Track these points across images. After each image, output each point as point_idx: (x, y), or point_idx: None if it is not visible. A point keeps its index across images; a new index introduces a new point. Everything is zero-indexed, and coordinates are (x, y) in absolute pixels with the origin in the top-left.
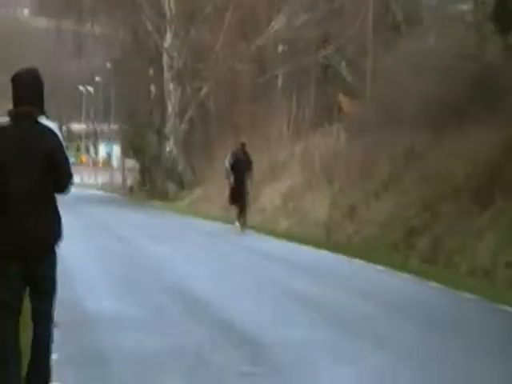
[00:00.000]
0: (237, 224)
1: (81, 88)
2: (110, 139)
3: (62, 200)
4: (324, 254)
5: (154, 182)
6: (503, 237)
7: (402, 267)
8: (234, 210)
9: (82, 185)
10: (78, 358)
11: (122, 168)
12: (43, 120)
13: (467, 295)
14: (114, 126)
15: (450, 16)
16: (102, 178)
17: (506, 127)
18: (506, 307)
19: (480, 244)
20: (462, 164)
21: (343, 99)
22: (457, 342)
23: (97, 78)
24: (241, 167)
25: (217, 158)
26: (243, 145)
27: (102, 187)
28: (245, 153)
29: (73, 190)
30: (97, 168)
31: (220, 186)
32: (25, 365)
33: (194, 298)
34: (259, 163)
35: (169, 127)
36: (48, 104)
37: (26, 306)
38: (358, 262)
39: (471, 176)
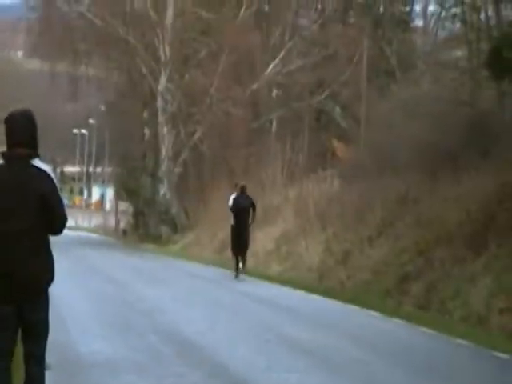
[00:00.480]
0: (236, 267)
1: (75, 130)
2: (103, 182)
3: (54, 242)
4: (317, 299)
5: (147, 225)
6: (497, 283)
7: (395, 313)
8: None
9: (76, 227)
10: None
11: (116, 211)
12: (37, 162)
13: (460, 341)
14: (108, 169)
15: (444, 62)
16: (95, 220)
17: (499, 173)
18: (499, 354)
19: (474, 290)
20: (455, 210)
21: (337, 144)
22: None
23: (91, 121)
24: (242, 213)
25: (210, 202)
26: (243, 188)
27: (95, 230)
28: (246, 197)
29: (66, 232)
30: (90, 210)
31: (213, 229)
32: None
33: (187, 341)
34: None
35: (162, 170)
36: (42, 146)
37: (18, 347)
38: (351, 307)
39: (465, 222)
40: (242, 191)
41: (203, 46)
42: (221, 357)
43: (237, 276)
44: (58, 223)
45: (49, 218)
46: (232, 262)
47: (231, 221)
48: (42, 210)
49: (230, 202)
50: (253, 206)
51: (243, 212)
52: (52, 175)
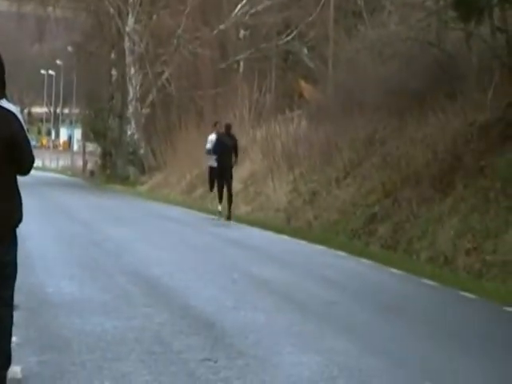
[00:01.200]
0: (219, 208)
1: (42, 71)
2: (71, 123)
3: (22, 182)
4: (285, 240)
5: (114, 166)
6: (464, 223)
7: (362, 253)
8: (209, 196)
9: (43, 168)
10: (38, 342)
11: (83, 152)
12: (4, 103)
13: (427, 281)
14: (76, 110)
15: (412, 3)
16: (62, 161)
17: (466, 114)
18: (466, 294)
19: (440, 231)
20: (422, 150)
21: (304, 85)
22: (418, 328)
23: (58, 62)
24: (226, 151)
25: (178, 143)
26: (229, 126)
27: (63, 171)
28: (230, 135)
29: (33, 172)
30: (57, 151)
31: (181, 170)
32: None
33: (155, 281)
34: None
35: (130, 111)
36: (9, 87)
37: None
38: (319, 248)
39: (432, 162)
40: (227, 130)
41: None
42: (188, 297)
43: (219, 219)
44: (25, 163)
45: (17, 158)
46: (209, 204)
47: (210, 162)
48: (10, 150)
49: (209, 143)
50: (236, 146)
51: (228, 152)
52: (19, 116)
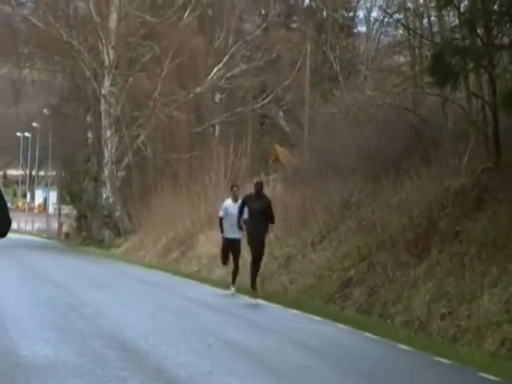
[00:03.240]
0: (232, 289)
1: (18, 134)
2: (46, 185)
3: None
4: (260, 304)
5: (90, 229)
6: (438, 288)
7: (338, 317)
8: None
9: (18, 231)
10: None
11: (58, 214)
12: None
13: (402, 346)
14: (51, 172)
15: (387, 68)
16: (38, 224)
17: (441, 179)
18: (441, 359)
19: (415, 295)
20: (398, 215)
21: (280, 150)
22: None
23: (34, 124)
24: (256, 217)
25: (154, 206)
26: (260, 185)
27: (38, 233)
28: (261, 196)
29: (9, 235)
30: (33, 214)
31: (157, 233)
32: None
33: (130, 345)
34: (197, 211)
35: (105, 174)
36: None
37: None
38: (294, 312)
39: (407, 227)
40: (259, 190)
41: (147, 50)
42: (163, 361)
43: (254, 297)
44: (2, 226)
45: None
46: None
47: (225, 232)
48: None
49: (223, 211)
50: (270, 210)
51: (258, 216)
52: None
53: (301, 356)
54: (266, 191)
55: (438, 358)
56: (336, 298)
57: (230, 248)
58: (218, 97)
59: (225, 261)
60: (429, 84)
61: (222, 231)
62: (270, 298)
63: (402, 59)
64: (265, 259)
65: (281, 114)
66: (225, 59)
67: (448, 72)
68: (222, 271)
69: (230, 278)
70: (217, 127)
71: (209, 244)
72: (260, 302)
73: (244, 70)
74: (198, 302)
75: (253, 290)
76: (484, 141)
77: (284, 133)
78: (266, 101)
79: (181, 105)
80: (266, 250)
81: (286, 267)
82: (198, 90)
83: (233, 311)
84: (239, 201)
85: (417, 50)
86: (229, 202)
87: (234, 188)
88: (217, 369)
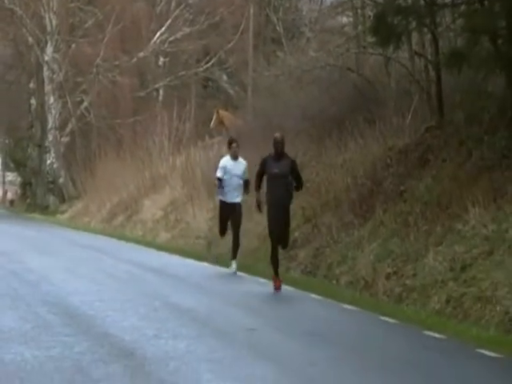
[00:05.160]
0: (233, 266)
1: None
2: None
3: None
4: (205, 267)
5: (34, 196)
6: (383, 248)
7: (284, 279)
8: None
9: None
10: None
11: (3, 181)
12: None
13: (347, 306)
14: None
15: (330, 29)
16: None
17: (385, 139)
18: (386, 318)
19: (360, 255)
20: (342, 175)
21: (223, 113)
22: (338, 353)
23: None
24: (278, 181)
25: (98, 171)
26: (280, 143)
27: None
28: (282, 156)
29: None
30: None
31: (101, 199)
32: None
33: (76, 310)
34: (141, 176)
35: (49, 140)
36: None
37: None
38: (240, 275)
39: (352, 187)
40: (279, 149)
41: (89, 16)
42: (109, 326)
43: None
44: None
45: None
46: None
47: (221, 195)
48: None
49: (221, 170)
50: (295, 170)
51: (281, 181)
52: None
53: (247, 318)
54: (211, 154)
55: (383, 318)
56: (281, 260)
57: (229, 214)
58: (161, 61)
59: (223, 231)
60: (371, 44)
61: (220, 193)
62: (216, 260)
63: (344, 20)
64: (210, 223)
65: (224, 77)
66: (167, 23)
67: (390, 32)
68: (167, 235)
69: (175, 242)
70: (160, 91)
71: (153, 208)
72: (202, 264)
73: (187, 33)
74: (143, 266)
75: (276, 276)
76: (427, 100)
77: (228, 96)
78: (209, 64)
79: (124, 70)
80: (211, 214)
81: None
82: (141, 54)
83: (179, 275)
84: (240, 159)
85: (359, 11)
86: (227, 160)
87: (233, 144)
88: (162, 332)
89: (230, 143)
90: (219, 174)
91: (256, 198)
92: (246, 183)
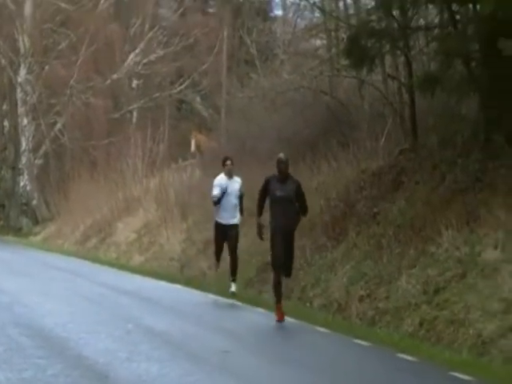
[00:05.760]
0: (232, 288)
1: None
2: None
3: None
4: (179, 289)
5: (7, 218)
6: (356, 270)
7: (256, 302)
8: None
9: None
10: None
11: None
12: None
13: (320, 329)
14: None
15: (304, 51)
16: None
17: (358, 161)
18: (359, 341)
19: (333, 278)
20: (316, 198)
21: (200, 137)
22: (310, 376)
23: None
24: (282, 206)
25: (71, 194)
26: (285, 164)
27: None
28: (287, 178)
29: None
30: None
31: (75, 221)
32: None
33: (48, 333)
34: (115, 198)
35: (23, 162)
36: None
37: None
38: (213, 297)
39: (325, 210)
40: (283, 170)
41: (63, 38)
42: (82, 348)
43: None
44: None
45: None
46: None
47: (218, 216)
48: None
49: (218, 188)
50: (299, 193)
51: (285, 205)
52: None
53: (220, 341)
54: (184, 176)
55: (356, 340)
56: (254, 282)
57: (225, 236)
58: (134, 83)
59: (219, 255)
60: (345, 67)
61: (216, 214)
62: (189, 283)
63: (318, 42)
64: (183, 245)
65: (198, 99)
66: (141, 45)
67: (364, 54)
68: (140, 258)
69: (148, 265)
70: (134, 113)
71: (127, 231)
72: (176, 286)
73: (161, 55)
74: (117, 289)
75: (278, 304)
76: (401, 122)
77: (202, 118)
78: (182, 86)
79: (98, 91)
80: (184, 236)
81: (204, 252)
82: (115, 76)
83: (152, 297)
84: (235, 178)
85: (333, 33)
86: (222, 178)
87: (227, 162)
88: (135, 355)
89: (224, 161)
90: (216, 191)
91: (257, 223)
92: (241, 199)
